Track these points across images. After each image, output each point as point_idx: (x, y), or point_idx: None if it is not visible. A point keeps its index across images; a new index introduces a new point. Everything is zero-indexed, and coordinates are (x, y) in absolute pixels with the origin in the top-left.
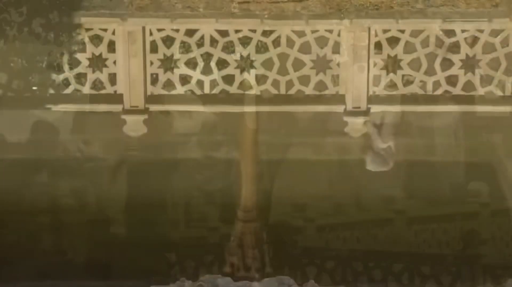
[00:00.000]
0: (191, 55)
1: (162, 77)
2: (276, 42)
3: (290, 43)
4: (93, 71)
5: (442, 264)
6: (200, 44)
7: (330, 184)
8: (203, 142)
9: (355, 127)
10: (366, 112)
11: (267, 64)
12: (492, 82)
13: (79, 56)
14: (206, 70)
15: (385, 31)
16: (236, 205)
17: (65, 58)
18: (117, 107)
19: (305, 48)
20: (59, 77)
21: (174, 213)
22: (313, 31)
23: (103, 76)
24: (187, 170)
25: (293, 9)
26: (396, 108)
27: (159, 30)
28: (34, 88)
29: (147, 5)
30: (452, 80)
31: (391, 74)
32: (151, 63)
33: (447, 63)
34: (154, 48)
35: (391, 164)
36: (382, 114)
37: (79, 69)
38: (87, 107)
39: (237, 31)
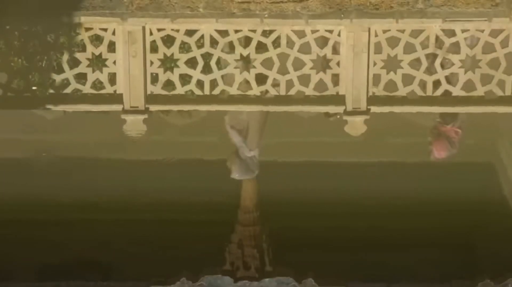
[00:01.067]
0: (191, 55)
1: (162, 77)
2: (276, 42)
3: (290, 43)
4: (93, 71)
5: (442, 263)
6: (200, 44)
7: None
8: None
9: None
10: (366, 112)
11: (267, 64)
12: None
13: (79, 56)
14: (206, 70)
15: (385, 31)
16: (237, 205)
17: (65, 58)
18: (117, 107)
19: (305, 48)
20: (59, 77)
21: (174, 212)
22: (313, 31)
23: (103, 76)
24: (186, 170)
25: (293, 9)
26: (396, 109)
27: (159, 30)
28: (34, 88)
29: (147, 5)
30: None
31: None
32: (151, 63)
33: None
34: (154, 48)
35: (256, 172)
36: (247, 123)
37: (79, 69)
38: (87, 107)
39: (237, 31)
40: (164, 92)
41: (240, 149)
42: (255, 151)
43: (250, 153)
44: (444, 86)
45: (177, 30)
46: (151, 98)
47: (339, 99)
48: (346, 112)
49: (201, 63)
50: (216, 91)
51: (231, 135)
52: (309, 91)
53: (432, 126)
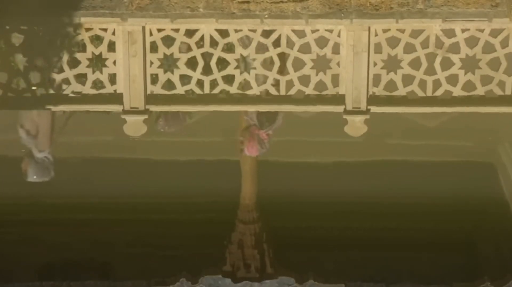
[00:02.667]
0: (191, 55)
1: (162, 77)
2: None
3: (290, 43)
4: (93, 72)
5: (442, 263)
6: (200, 44)
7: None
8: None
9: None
10: (366, 112)
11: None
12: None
13: (79, 56)
14: (206, 70)
15: (385, 30)
16: (237, 204)
17: (65, 58)
18: (117, 108)
19: (305, 48)
20: (59, 77)
21: (173, 212)
22: (313, 31)
23: (103, 76)
24: (186, 170)
25: (293, 9)
26: (395, 109)
27: (159, 30)
28: (34, 88)
29: (147, 5)
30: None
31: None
32: (151, 63)
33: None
34: (154, 48)
35: (52, 173)
36: (36, 124)
37: (79, 69)
38: (87, 107)
39: (237, 31)
40: (164, 91)
41: (32, 151)
42: (46, 151)
43: (40, 153)
44: (444, 86)
45: (177, 30)
46: (151, 98)
47: (339, 99)
48: (346, 112)
49: (201, 63)
50: (216, 91)
51: (20, 134)
52: (309, 91)
53: (246, 127)
